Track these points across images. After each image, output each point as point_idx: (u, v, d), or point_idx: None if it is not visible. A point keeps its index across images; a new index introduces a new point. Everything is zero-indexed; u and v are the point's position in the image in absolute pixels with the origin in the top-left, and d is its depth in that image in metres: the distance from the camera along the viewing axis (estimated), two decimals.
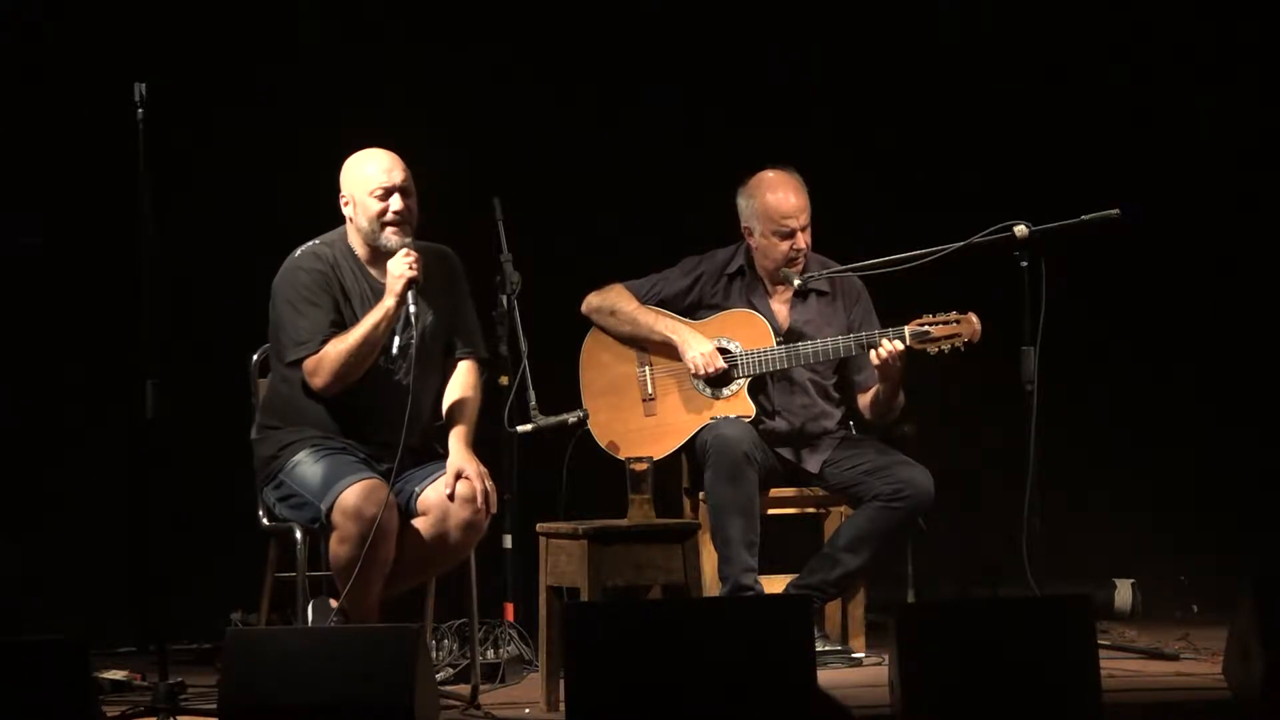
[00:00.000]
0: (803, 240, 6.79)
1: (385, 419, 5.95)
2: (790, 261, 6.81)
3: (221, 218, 7.57)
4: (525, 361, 6.36)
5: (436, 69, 7.92)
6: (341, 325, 5.96)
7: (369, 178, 5.98)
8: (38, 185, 7.69)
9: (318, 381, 5.94)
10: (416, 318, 5.90)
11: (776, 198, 6.81)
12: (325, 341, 5.93)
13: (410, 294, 5.88)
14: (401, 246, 5.94)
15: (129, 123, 5.80)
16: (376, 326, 5.90)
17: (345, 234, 6.08)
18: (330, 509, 5.81)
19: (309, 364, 5.94)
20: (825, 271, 6.88)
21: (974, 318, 6.63)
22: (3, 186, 7.62)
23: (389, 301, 5.89)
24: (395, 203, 5.97)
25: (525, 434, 6.40)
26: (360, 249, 6.05)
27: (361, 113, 7.53)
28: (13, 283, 7.67)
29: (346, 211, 6.04)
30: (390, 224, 5.97)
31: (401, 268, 5.89)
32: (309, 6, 7.85)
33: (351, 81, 7.74)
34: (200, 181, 7.57)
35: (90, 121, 7.47)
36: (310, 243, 6.08)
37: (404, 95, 7.81)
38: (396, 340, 5.95)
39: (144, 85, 5.79)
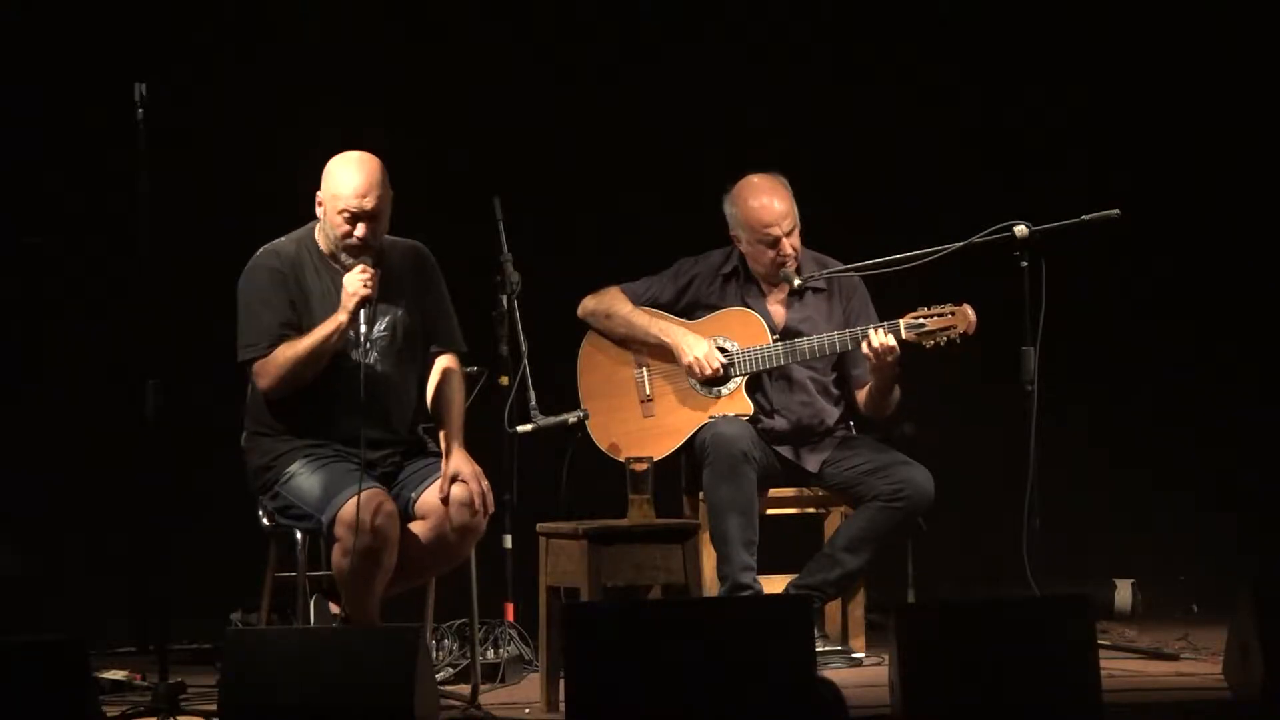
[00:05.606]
0: (788, 246, 6.77)
1: (365, 418, 5.93)
2: (779, 267, 6.80)
3: (223, 215, 7.58)
4: (525, 361, 6.36)
5: (437, 68, 7.92)
6: (295, 325, 5.95)
7: (341, 197, 5.92)
8: (37, 185, 7.70)
9: (263, 384, 5.95)
10: (367, 337, 5.89)
11: (760, 204, 6.80)
12: (274, 345, 5.92)
13: (363, 312, 5.87)
14: (358, 264, 5.92)
15: (129, 122, 5.81)
16: (327, 338, 5.88)
17: (314, 229, 6.06)
18: (332, 521, 5.81)
19: (256, 366, 5.95)
20: (824, 271, 6.88)
21: (969, 309, 6.63)
22: (3, 186, 7.63)
23: (341, 316, 5.87)
24: (360, 230, 5.93)
25: (525, 434, 6.39)
26: (326, 245, 6.03)
27: (363, 112, 7.54)
28: (14, 282, 7.68)
29: (319, 211, 6.02)
30: (351, 248, 5.96)
31: (356, 285, 5.87)
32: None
33: (353, 79, 7.75)
34: (201, 179, 7.58)
35: (90, 120, 7.48)
36: (277, 239, 6.06)
37: (406, 94, 7.83)
38: (365, 339, 5.93)
39: (144, 85, 5.80)
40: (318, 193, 5.99)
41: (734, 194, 6.87)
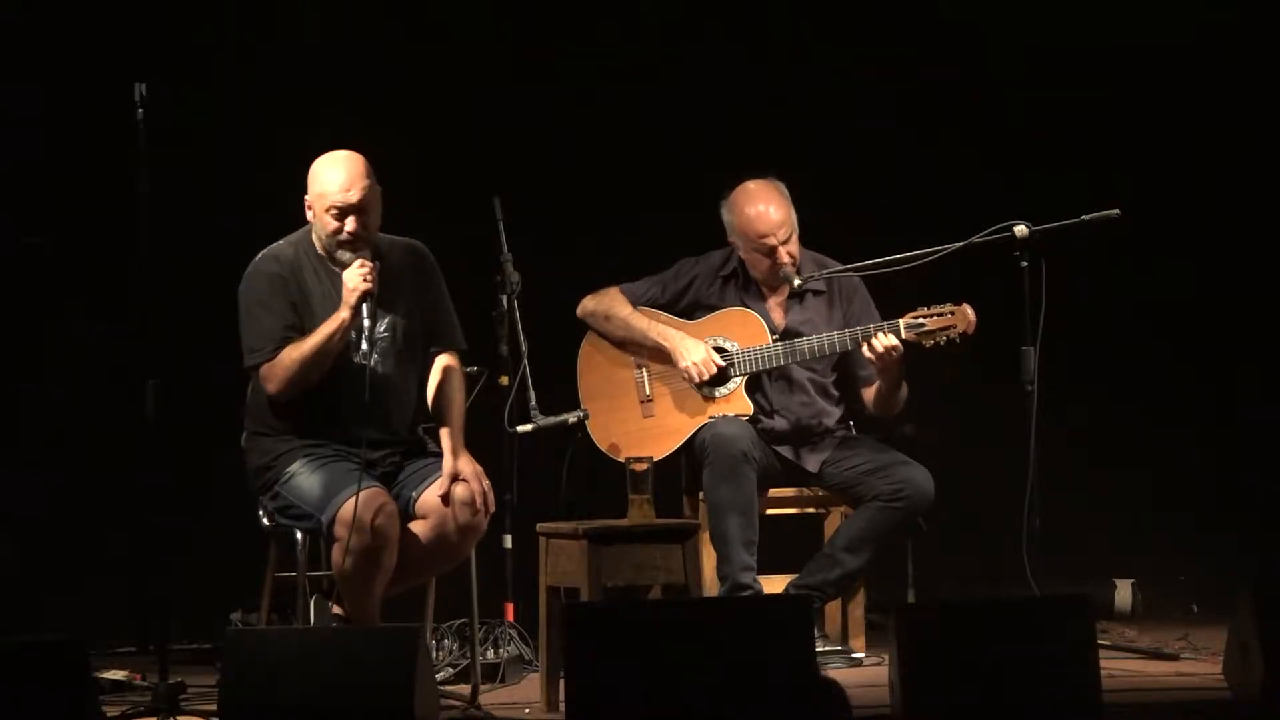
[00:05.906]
0: (785, 254, 6.76)
1: (366, 418, 5.93)
2: (776, 273, 6.80)
3: (223, 215, 7.58)
4: (525, 361, 6.36)
5: (437, 67, 7.92)
6: (298, 328, 5.96)
7: (327, 194, 5.94)
8: (40, 185, 7.70)
9: (270, 387, 5.95)
10: (370, 331, 5.89)
11: (755, 211, 6.79)
12: (278, 348, 5.93)
13: (365, 306, 5.88)
14: (356, 259, 5.93)
15: (129, 122, 5.81)
16: (331, 337, 5.89)
17: (310, 232, 6.07)
18: (332, 521, 5.81)
19: (263, 370, 5.96)
20: (824, 272, 6.88)
21: (968, 309, 6.63)
22: (5, 186, 7.63)
23: (344, 313, 5.88)
24: (350, 224, 5.94)
25: (525, 434, 6.39)
26: (322, 248, 6.04)
27: (364, 110, 7.54)
28: (14, 282, 7.68)
29: (309, 215, 6.03)
30: (345, 243, 5.97)
31: (355, 280, 5.88)
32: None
33: (353, 79, 7.75)
34: (201, 179, 7.58)
35: (91, 120, 7.48)
36: (275, 243, 6.08)
37: (406, 93, 7.83)
38: (365, 339, 5.94)
39: (144, 85, 5.80)
40: (306, 197, 6.00)
41: (730, 201, 6.86)
